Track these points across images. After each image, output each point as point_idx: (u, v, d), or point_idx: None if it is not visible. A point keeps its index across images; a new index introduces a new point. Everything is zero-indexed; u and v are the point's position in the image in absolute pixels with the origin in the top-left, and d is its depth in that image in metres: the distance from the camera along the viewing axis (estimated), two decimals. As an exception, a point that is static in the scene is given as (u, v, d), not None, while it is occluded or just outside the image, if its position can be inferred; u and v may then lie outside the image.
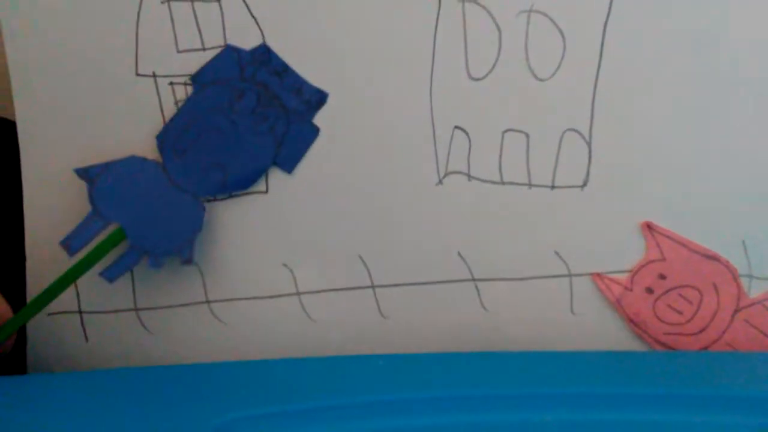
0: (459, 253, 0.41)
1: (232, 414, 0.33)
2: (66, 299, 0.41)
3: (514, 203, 0.41)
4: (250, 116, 0.40)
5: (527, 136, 0.40)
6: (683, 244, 0.40)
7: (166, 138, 0.40)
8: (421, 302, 0.41)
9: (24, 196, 0.41)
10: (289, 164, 0.40)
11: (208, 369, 0.38)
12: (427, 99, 0.40)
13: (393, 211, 0.41)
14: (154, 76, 0.40)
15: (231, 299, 0.42)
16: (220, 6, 0.40)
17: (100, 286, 0.41)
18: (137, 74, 0.40)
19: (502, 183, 0.41)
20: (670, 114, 0.40)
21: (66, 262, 0.40)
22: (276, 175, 0.41)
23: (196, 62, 0.40)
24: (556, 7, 0.39)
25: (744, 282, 0.40)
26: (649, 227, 0.40)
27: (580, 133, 0.40)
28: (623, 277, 0.40)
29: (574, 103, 0.40)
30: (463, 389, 0.36)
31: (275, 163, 0.40)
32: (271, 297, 0.42)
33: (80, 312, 0.42)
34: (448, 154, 0.41)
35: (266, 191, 0.41)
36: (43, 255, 0.41)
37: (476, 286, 0.41)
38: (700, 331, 0.40)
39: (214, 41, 0.40)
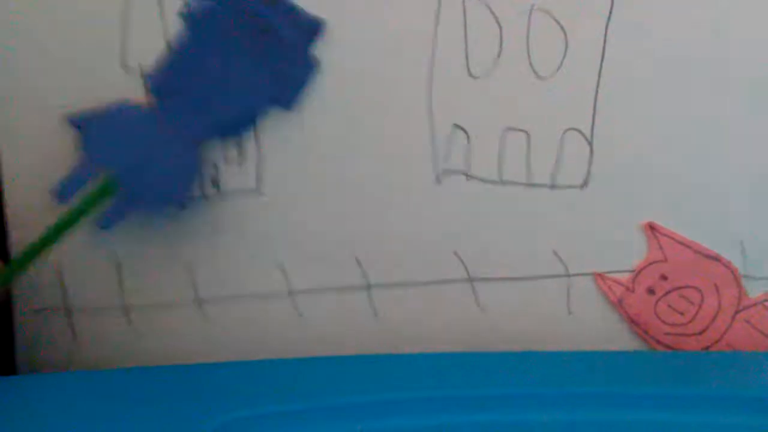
0: (456, 253, 0.41)
1: (230, 414, 0.33)
2: (52, 296, 0.40)
3: (513, 203, 0.40)
4: (243, 51, 0.37)
5: (527, 134, 0.40)
6: (685, 244, 0.40)
7: (156, 79, 0.38)
8: (417, 302, 0.41)
9: (5, 194, 0.39)
10: (287, 101, 0.38)
11: (205, 369, 0.37)
12: (427, 96, 0.39)
13: (389, 210, 0.40)
14: (141, 68, 0.39)
15: (222, 298, 0.41)
16: (211, -5, 0.38)
17: (87, 284, 0.40)
18: (123, 66, 0.39)
19: (502, 182, 0.40)
20: (672, 114, 0.39)
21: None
22: (269, 173, 0.40)
23: (185, 54, 0.39)
24: (558, 5, 0.38)
25: (743, 282, 0.40)
26: (651, 228, 0.40)
27: (581, 133, 0.40)
28: (625, 278, 0.40)
29: (576, 102, 0.39)
30: (463, 389, 0.36)
31: (274, 101, 0.38)
32: (262, 296, 0.41)
33: (67, 309, 0.40)
34: (447, 152, 0.40)
35: (256, 189, 0.40)
36: (27, 221, 0.39)
37: (473, 286, 0.41)
38: (701, 332, 0.40)
39: (205, 32, 0.38)
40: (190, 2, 0.37)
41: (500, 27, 0.38)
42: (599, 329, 0.41)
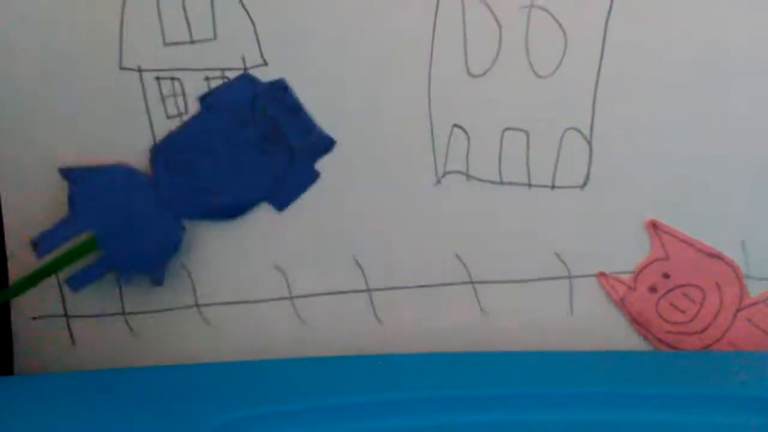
0: (457, 255, 0.40)
1: (230, 414, 0.33)
2: (51, 302, 0.40)
3: (514, 203, 0.40)
4: (252, 148, 0.38)
5: (527, 134, 0.39)
6: (687, 242, 0.39)
7: (161, 152, 0.38)
8: (418, 306, 0.40)
9: (1, 192, 0.39)
10: (281, 203, 0.39)
11: (206, 369, 0.37)
12: (425, 96, 0.39)
13: (389, 212, 0.40)
14: (139, 70, 0.38)
15: (221, 303, 0.40)
16: (210, -4, 0.38)
17: (86, 290, 0.39)
18: (121, 68, 0.38)
19: (501, 183, 0.40)
20: (671, 113, 0.39)
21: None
22: (268, 175, 0.39)
23: (183, 56, 0.38)
24: (557, 3, 0.38)
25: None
26: (654, 225, 0.39)
27: (580, 132, 0.39)
28: (627, 277, 0.40)
29: (575, 101, 0.39)
30: (463, 389, 0.35)
31: (267, 200, 0.39)
32: (262, 301, 0.40)
33: (66, 316, 0.40)
34: (447, 153, 0.40)
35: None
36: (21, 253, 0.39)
37: (474, 289, 0.40)
38: (703, 330, 0.40)
39: (203, 33, 0.38)
40: (213, 90, 0.38)
41: (499, 25, 0.38)
42: (601, 331, 0.40)
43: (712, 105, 0.39)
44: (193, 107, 0.39)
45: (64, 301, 0.40)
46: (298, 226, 0.40)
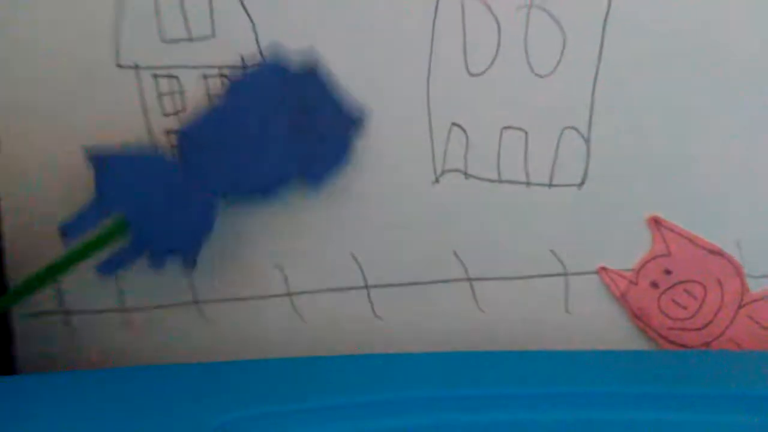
0: (455, 252, 0.41)
1: (230, 414, 0.33)
2: (49, 299, 0.39)
3: (512, 202, 0.40)
4: (280, 123, 0.37)
5: (526, 133, 0.40)
6: (688, 239, 0.40)
7: (187, 132, 0.37)
8: (416, 302, 0.41)
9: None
10: (315, 180, 0.38)
11: (205, 369, 0.37)
12: (424, 95, 0.39)
13: (388, 211, 0.40)
14: (136, 67, 0.38)
15: (220, 300, 0.40)
16: (209, -8, 0.38)
17: (84, 286, 0.39)
18: (117, 66, 0.38)
19: (500, 181, 0.40)
20: (669, 112, 0.39)
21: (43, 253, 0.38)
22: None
23: (181, 53, 0.38)
24: (556, 2, 0.38)
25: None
26: (655, 221, 0.40)
27: (578, 131, 0.40)
28: (628, 272, 0.40)
29: (573, 100, 0.39)
30: (463, 389, 0.35)
31: (301, 177, 0.38)
32: (261, 297, 0.41)
33: (64, 312, 0.40)
34: (445, 151, 0.40)
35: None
36: (22, 245, 0.39)
37: (471, 286, 0.41)
38: (704, 327, 0.40)
39: (202, 30, 0.38)
40: (242, 70, 0.37)
41: (498, 25, 0.38)
42: (599, 328, 0.41)
43: (711, 104, 0.39)
44: (192, 104, 0.39)
45: (62, 298, 0.40)
46: (297, 223, 0.40)
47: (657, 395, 0.35)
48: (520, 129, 0.40)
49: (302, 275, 0.40)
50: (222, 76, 0.38)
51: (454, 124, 0.39)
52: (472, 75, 0.39)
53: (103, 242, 0.37)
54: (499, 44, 0.39)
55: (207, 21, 0.38)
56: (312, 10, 0.38)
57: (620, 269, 0.40)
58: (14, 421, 0.33)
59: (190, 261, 0.38)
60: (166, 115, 0.39)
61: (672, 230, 0.39)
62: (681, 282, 0.40)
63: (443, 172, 0.40)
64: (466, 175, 0.40)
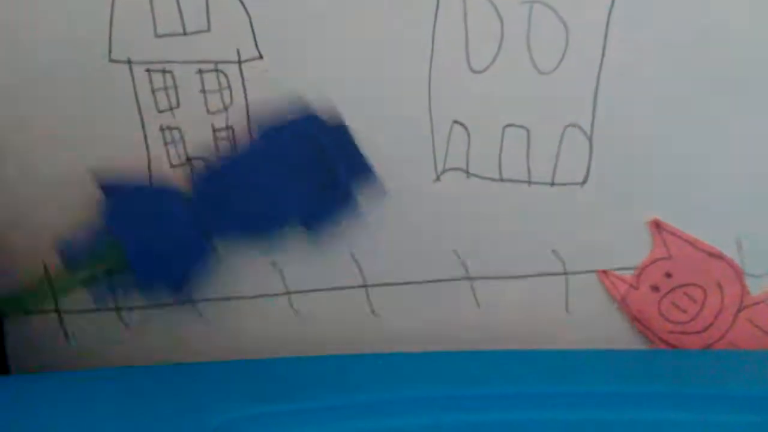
0: (455, 251, 0.40)
1: (230, 414, 0.32)
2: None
3: (513, 201, 0.39)
4: (295, 173, 0.37)
5: (528, 131, 0.39)
6: (690, 242, 0.39)
7: (205, 176, 0.37)
8: (415, 302, 0.40)
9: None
10: (316, 231, 0.38)
11: (205, 368, 0.37)
12: (426, 91, 0.38)
13: (388, 209, 0.39)
14: (129, 62, 0.37)
15: (217, 298, 0.40)
16: (204, -14, 0.36)
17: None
18: (110, 60, 0.37)
19: (501, 180, 0.39)
20: (673, 110, 0.39)
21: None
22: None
23: (176, 48, 0.37)
24: (559, -2, 0.38)
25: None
26: (657, 225, 0.39)
27: (581, 129, 0.39)
28: (629, 275, 0.40)
29: (576, 97, 0.39)
30: (463, 389, 0.35)
31: (303, 226, 0.38)
32: (259, 296, 0.40)
33: (58, 311, 0.39)
34: (447, 149, 0.39)
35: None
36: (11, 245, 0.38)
37: (471, 285, 0.40)
38: (704, 330, 0.40)
39: (197, 25, 0.37)
40: (275, 125, 0.37)
41: (501, 21, 0.38)
42: (600, 328, 0.41)
43: (714, 103, 0.39)
44: (186, 100, 0.38)
45: (56, 297, 0.39)
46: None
47: (657, 395, 0.34)
48: (522, 127, 0.39)
49: (300, 274, 0.40)
50: (218, 71, 0.37)
51: (455, 121, 0.39)
52: (474, 71, 0.38)
53: (99, 272, 0.37)
54: (501, 40, 0.38)
55: (202, 15, 0.37)
56: (310, 5, 0.37)
57: (621, 270, 0.40)
58: (13, 420, 0.32)
59: (181, 297, 0.38)
60: (160, 111, 0.38)
61: (673, 233, 0.39)
62: (681, 285, 0.40)
63: (444, 171, 0.39)
64: (468, 173, 0.39)
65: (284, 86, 0.38)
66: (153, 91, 0.37)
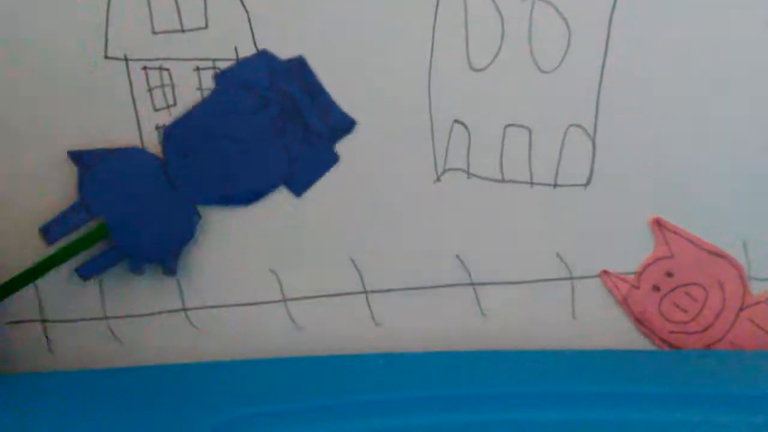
0: (457, 256, 0.39)
1: (230, 414, 0.32)
2: (27, 307, 0.38)
3: (515, 202, 0.39)
4: (268, 128, 0.36)
5: (530, 131, 0.38)
6: (691, 241, 0.39)
7: (173, 134, 0.36)
8: (417, 308, 0.39)
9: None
10: (298, 187, 0.37)
11: (205, 369, 0.36)
12: (425, 90, 0.38)
13: (387, 211, 0.38)
14: (126, 59, 0.37)
15: (210, 306, 0.38)
16: (202, -17, 0.36)
17: (64, 293, 0.37)
18: (106, 57, 0.36)
19: (503, 181, 0.39)
20: (676, 110, 0.38)
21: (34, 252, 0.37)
22: (262, 171, 0.38)
23: (173, 45, 0.37)
24: (560, -4, 0.38)
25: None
26: (658, 223, 0.38)
27: (584, 129, 0.38)
28: (630, 275, 0.39)
29: (579, 97, 0.38)
30: (464, 388, 0.35)
31: (285, 183, 0.37)
32: (254, 304, 0.39)
33: (43, 321, 0.38)
34: (447, 149, 0.38)
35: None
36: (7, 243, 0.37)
37: (474, 291, 0.39)
38: (705, 330, 0.39)
39: (194, 22, 0.36)
40: (229, 68, 0.36)
41: (502, 18, 0.37)
42: (604, 332, 0.39)
43: (717, 103, 0.38)
44: (183, 98, 0.37)
45: (41, 306, 0.38)
46: (292, 225, 0.38)
47: (657, 395, 0.34)
48: (524, 126, 0.38)
49: (298, 280, 0.39)
50: (216, 69, 0.37)
51: (455, 121, 0.38)
52: (474, 70, 0.38)
53: (82, 246, 0.36)
54: (502, 38, 0.38)
55: (200, 12, 0.36)
56: (309, 2, 0.37)
57: (629, 271, 0.39)
58: (14, 419, 0.32)
59: (169, 268, 0.37)
60: (157, 109, 0.37)
61: (675, 232, 0.38)
62: (682, 285, 0.39)
63: (444, 171, 0.38)
64: (469, 174, 0.39)
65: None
66: (149, 89, 0.37)
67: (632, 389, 0.34)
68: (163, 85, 0.37)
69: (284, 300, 0.39)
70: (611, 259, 0.39)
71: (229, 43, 0.37)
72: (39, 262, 0.36)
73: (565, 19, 0.38)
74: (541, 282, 0.39)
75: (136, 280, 0.38)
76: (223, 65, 0.37)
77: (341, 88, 0.37)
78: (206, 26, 0.37)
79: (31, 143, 0.37)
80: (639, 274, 0.39)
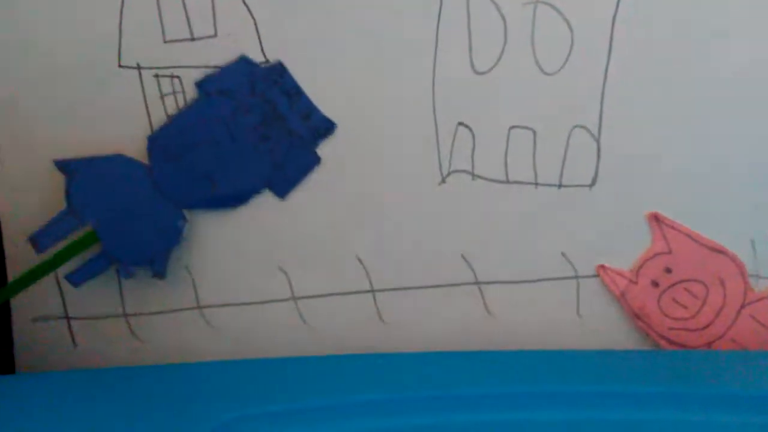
0: (462, 256, 0.40)
1: (230, 414, 0.32)
2: (52, 304, 0.39)
3: (520, 203, 0.39)
4: (251, 133, 0.37)
5: (534, 132, 0.39)
6: (690, 236, 0.38)
7: (158, 140, 0.38)
8: (423, 307, 0.40)
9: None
10: (282, 189, 0.38)
11: (205, 368, 0.37)
12: (429, 93, 0.38)
13: (393, 212, 0.39)
14: (138, 68, 0.38)
15: (223, 305, 0.40)
16: (211, -8, 0.37)
17: (86, 292, 0.39)
18: (120, 66, 0.38)
19: (508, 182, 0.39)
20: (681, 110, 0.38)
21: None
22: (270, 174, 0.39)
23: (183, 53, 0.38)
24: (564, -2, 0.38)
25: (751, 282, 0.39)
26: (656, 218, 0.38)
27: (588, 130, 0.39)
28: (628, 271, 0.39)
29: (583, 98, 0.38)
30: (466, 388, 0.35)
31: (268, 186, 0.38)
32: (265, 302, 0.40)
33: (67, 318, 0.39)
34: (451, 151, 0.39)
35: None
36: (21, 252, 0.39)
37: (480, 290, 0.40)
38: (705, 327, 0.39)
39: (204, 30, 0.38)
40: (210, 75, 0.37)
41: (504, 21, 0.38)
42: (610, 331, 0.40)
43: (721, 102, 0.38)
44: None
45: (64, 303, 0.39)
46: (301, 227, 0.39)
47: (657, 395, 0.34)
48: (528, 128, 0.39)
49: (307, 279, 0.40)
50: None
51: (460, 123, 0.39)
52: (478, 73, 0.38)
53: (72, 253, 0.37)
54: (505, 41, 0.38)
55: (209, 21, 0.38)
56: (316, 9, 0.37)
57: (628, 270, 0.39)
58: (14, 420, 0.32)
59: (158, 271, 0.38)
60: (169, 115, 0.38)
61: (673, 227, 0.38)
62: (682, 281, 0.39)
63: (449, 173, 0.39)
64: (473, 175, 0.39)
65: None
66: (162, 96, 0.38)
67: (632, 389, 0.35)
68: (174, 92, 0.38)
69: (294, 298, 0.40)
70: (617, 260, 0.39)
71: (237, 51, 0.38)
72: (27, 271, 0.37)
73: (567, 21, 0.38)
74: (546, 281, 0.40)
75: (152, 279, 0.39)
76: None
77: (349, 92, 0.38)
78: (215, 34, 0.38)
79: (46, 149, 0.38)
80: (637, 270, 0.39)
